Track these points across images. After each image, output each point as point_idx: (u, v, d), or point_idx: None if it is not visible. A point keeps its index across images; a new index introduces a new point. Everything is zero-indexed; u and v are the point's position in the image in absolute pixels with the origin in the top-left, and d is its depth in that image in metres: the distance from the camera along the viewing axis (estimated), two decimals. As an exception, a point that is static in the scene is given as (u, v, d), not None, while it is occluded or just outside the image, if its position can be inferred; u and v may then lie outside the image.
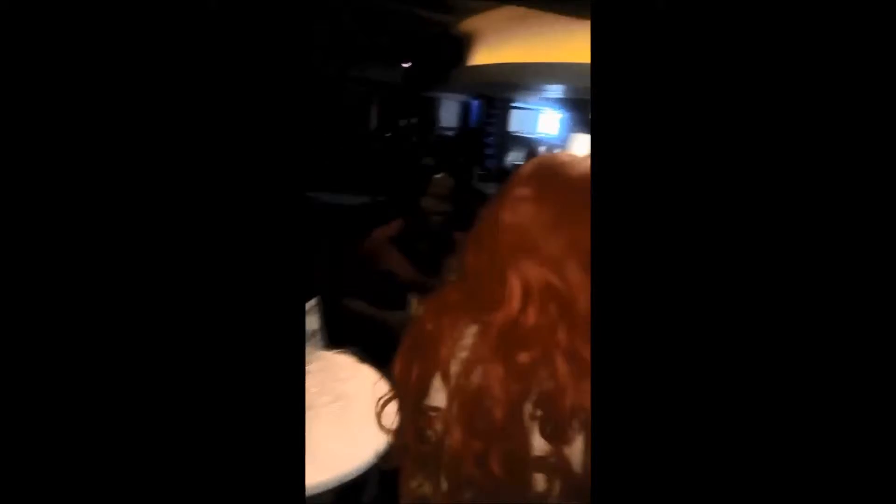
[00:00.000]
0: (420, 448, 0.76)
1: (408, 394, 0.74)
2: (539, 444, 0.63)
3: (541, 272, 0.66)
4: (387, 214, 2.30)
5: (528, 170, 0.75)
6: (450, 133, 5.98)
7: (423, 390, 0.72)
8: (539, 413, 0.63)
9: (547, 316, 0.64)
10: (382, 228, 2.28)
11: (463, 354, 0.69)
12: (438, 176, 2.29)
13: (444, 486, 0.72)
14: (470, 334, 0.70)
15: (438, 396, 0.71)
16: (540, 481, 0.65)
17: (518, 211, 0.70)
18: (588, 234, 0.59)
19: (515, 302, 0.66)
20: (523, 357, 0.64)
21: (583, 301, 0.63)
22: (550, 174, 0.74)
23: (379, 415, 0.81)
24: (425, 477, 0.79)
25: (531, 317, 0.65)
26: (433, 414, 0.71)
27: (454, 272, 0.76)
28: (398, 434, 0.79)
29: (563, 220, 0.66)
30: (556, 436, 0.64)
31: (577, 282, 0.64)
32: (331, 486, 1.31)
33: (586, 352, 0.61)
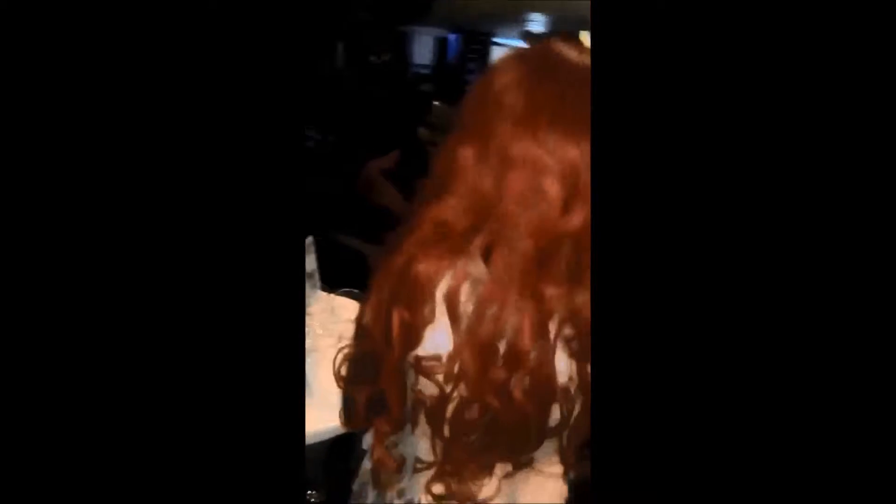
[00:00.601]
0: (405, 404, 0.67)
1: (389, 347, 0.63)
2: (562, 367, 0.60)
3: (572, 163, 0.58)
4: (380, 147, 2.16)
5: (513, 56, 0.66)
6: (426, 70, 5.77)
7: (413, 341, 0.62)
8: (567, 331, 0.59)
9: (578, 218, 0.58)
10: (376, 161, 2.15)
11: (478, 290, 0.59)
12: (436, 104, 2.16)
13: (447, 434, 0.64)
14: (479, 265, 0.60)
15: (435, 343, 0.61)
16: (557, 410, 0.62)
17: (519, 94, 0.61)
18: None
19: (555, 209, 0.58)
20: (556, 277, 0.57)
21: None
22: (544, 55, 0.65)
23: (338, 372, 0.70)
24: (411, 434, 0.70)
25: (569, 223, 0.58)
26: (431, 364, 0.62)
27: (434, 196, 0.63)
28: (368, 392, 0.68)
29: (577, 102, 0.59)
30: (585, 353, 0.60)
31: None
32: (339, 432, 1.24)
33: None
